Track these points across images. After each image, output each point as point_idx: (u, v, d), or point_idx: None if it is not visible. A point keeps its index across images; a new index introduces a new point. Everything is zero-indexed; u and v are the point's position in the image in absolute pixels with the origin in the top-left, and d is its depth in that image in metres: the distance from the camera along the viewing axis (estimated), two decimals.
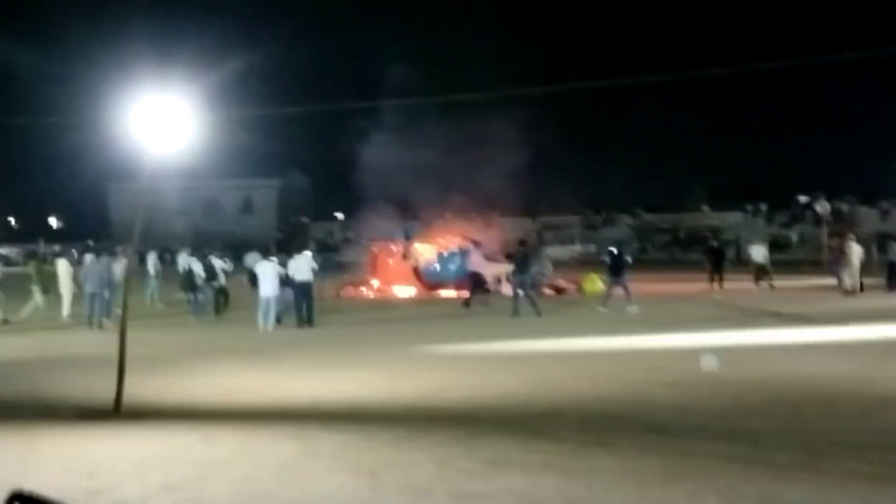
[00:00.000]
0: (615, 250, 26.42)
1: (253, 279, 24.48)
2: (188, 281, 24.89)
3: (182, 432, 10.69)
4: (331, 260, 25.32)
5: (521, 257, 26.15)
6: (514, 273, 26.08)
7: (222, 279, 25.70)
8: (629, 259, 26.12)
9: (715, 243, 37.78)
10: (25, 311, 25.33)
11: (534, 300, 24.87)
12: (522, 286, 25.24)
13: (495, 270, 30.56)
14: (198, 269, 24.96)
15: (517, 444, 9.72)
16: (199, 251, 27.88)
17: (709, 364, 14.60)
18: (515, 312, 24.19)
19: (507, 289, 29.70)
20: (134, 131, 12.49)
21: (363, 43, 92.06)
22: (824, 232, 55.06)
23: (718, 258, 34.47)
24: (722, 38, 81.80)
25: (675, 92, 64.44)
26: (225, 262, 26.59)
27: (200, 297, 24.73)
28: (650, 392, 12.80)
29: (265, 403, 12.57)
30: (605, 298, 25.51)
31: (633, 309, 24.34)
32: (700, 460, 8.95)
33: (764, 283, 32.07)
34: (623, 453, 9.29)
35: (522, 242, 27.90)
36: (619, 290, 25.24)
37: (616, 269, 25.59)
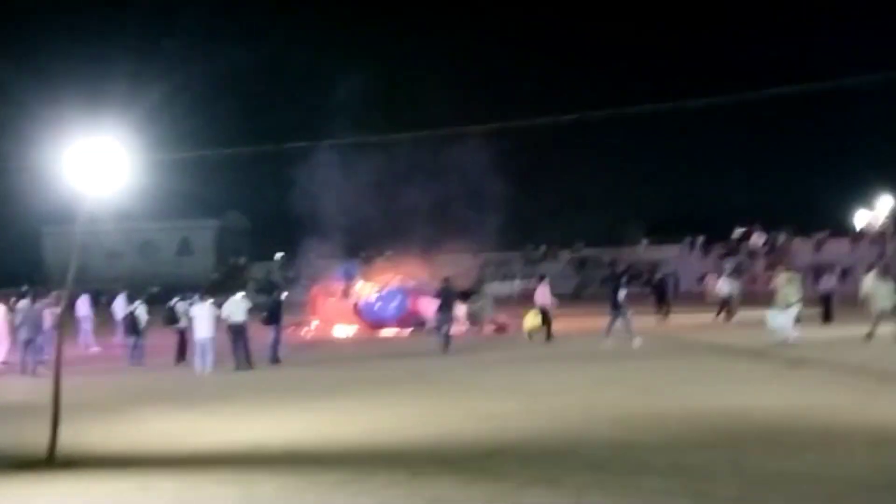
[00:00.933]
0: (615, 282, 26.84)
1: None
2: (131, 325, 24.44)
3: (118, 480, 10.48)
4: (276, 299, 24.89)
5: (444, 294, 26.66)
6: (437, 310, 26.64)
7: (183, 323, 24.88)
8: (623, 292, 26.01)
9: (659, 276, 38.29)
10: None
11: (447, 338, 25.26)
12: (444, 323, 25.81)
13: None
14: (141, 313, 24.49)
15: (460, 484, 9.67)
16: (146, 294, 27.25)
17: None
18: (446, 349, 24.74)
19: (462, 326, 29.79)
20: (68, 174, 12.34)
21: (303, 81, 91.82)
22: (759, 264, 55.85)
23: (662, 291, 34.96)
24: (656, 70, 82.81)
25: (612, 126, 64.89)
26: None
27: (141, 342, 24.24)
28: (592, 428, 12.83)
29: (205, 448, 12.38)
30: (608, 329, 25.07)
31: (637, 342, 24.27)
32: (644, 497, 8.96)
33: (724, 317, 31.97)
34: (566, 490, 9.29)
35: (445, 280, 27.99)
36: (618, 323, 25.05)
37: (615, 303, 25.28)
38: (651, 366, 20.20)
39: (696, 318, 33.01)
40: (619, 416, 13.67)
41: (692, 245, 75.12)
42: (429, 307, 30.01)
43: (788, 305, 23.66)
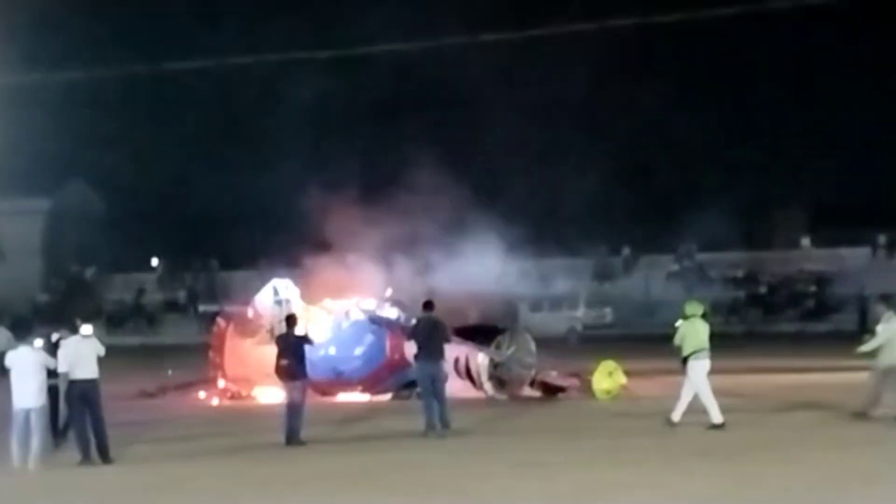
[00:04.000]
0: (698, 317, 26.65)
1: None
2: None
3: None
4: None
5: (425, 331, 26.52)
6: (416, 358, 26.52)
7: None
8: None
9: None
10: None
11: (444, 406, 25.45)
12: (430, 381, 25.84)
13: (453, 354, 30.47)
14: None
15: None
16: None
17: None
18: (431, 428, 25.00)
19: (457, 385, 29.81)
20: None
21: None
22: None
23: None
24: None
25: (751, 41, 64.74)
26: None
27: None
28: None
29: None
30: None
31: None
32: None
33: None
34: None
35: (427, 305, 27.63)
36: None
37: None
38: (821, 462, 20.18)
39: None
40: None
41: (891, 246, 74.97)
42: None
43: None
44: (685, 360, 25.10)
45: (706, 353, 25.03)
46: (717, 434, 23.96)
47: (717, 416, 24.58)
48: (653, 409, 27.16)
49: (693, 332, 25.25)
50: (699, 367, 24.93)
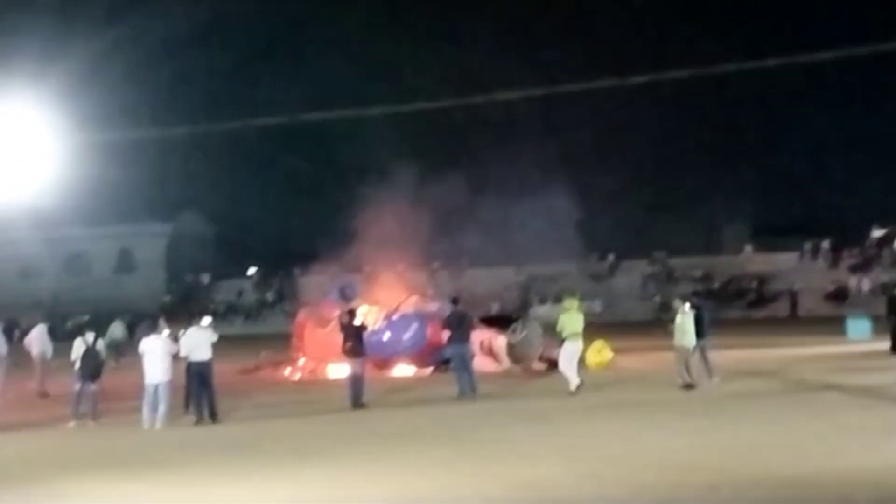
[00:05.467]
0: (692, 305, 26.95)
1: (116, 350, 24.26)
2: (91, 366, 23.89)
3: None
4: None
5: (455, 321, 26.93)
6: (448, 342, 26.95)
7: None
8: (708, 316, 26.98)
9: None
10: None
11: (472, 377, 25.80)
12: (459, 359, 26.28)
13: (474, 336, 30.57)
14: (102, 349, 24.33)
15: None
16: (74, 324, 27.06)
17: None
18: (463, 393, 25.21)
19: (484, 362, 29.90)
20: None
21: (277, 44, 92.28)
22: None
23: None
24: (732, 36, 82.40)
25: (698, 93, 64.64)
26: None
27: (92, 389, 23.84)
28: (678, 498, 12.80)
29: None
30: (683, 370, 25.60)
31: (714, 381, 25.59)
32: None
33: None
34: None
35: (455, 301, 28.25)
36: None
37: (698, 330, 25.96)
38: (760, 413, 20.18)
39: (825, 349, 33.08)
40: (716, 481, 13.62)
41: (814, 252, 74.70)
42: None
43: None
44: (563, 342, 25.78)
45: (578, 337, 25.71)
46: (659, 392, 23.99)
47: (573, 384, 25.11)
48: (632, 376, 27.20)
49: (570, 320, 25.81)
50: (572, 347, 25.65)
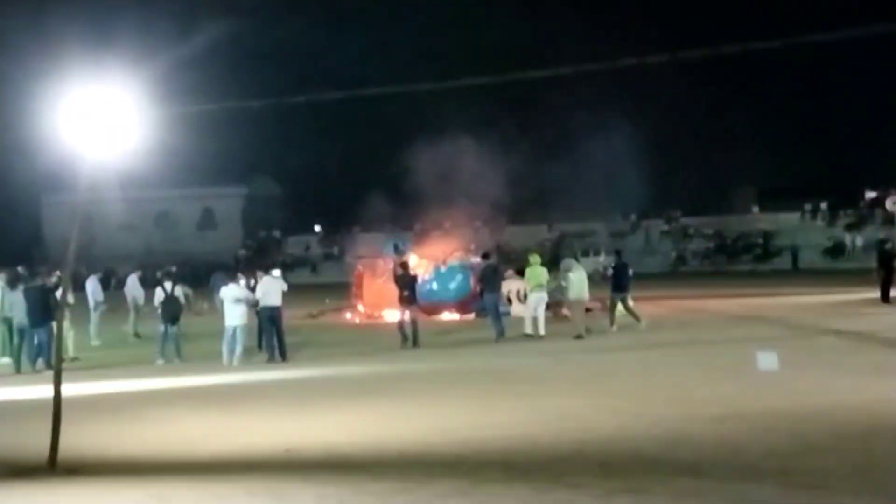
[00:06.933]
0: (618, 261, 28.46)
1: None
2: (171, 310, 23.97)
3: (128, 490, 10.65)
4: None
5: (488, 273, 27.48)
6: (482, 292, 27.52)
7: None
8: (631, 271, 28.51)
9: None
10: None
11: (500, 322, 25.93)
12: (492, 306, 26.55)
13: (504, 287, 30.61)
14: (181, 295, 24.40)
15: (532, 494, 9.70)
16: (166, 273, 26.92)
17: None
18: (500, 335, 25.39)
19: (518, 308, 29.88)
20: (67, 132, 12.35)
21: (342, 23, 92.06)
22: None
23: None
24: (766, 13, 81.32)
25: (709, 69, 64.07)
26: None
27: (174, 330, 23.92)
28: (689, 428, 12.77)
29: (229, 453, 12.52)
30: (613, 316, 27.05)
31: (642, 325, 26.49)
32: None
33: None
34: (658, 500, 9.27)
35: (486, 256, 28.96)
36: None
37: (622, 283, 27.36)
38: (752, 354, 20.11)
39: (823, 298, 32.91)
40: (722, 413, 13.59)
41: (814, 212, 74.30)
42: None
43: None
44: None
45: (543, 289, 26.15)
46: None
47: (528, 329, 25.70)
48: (649, 322, 27.15)
49: (534, 274, 26.34)
50: (536, 297, 26.02)
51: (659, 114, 70.63)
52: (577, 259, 29.02)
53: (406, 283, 25.80)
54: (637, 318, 26.82)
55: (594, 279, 30.58)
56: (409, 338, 24.79)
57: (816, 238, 69.55)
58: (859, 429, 12.25)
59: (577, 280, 26.01)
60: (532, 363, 20.68)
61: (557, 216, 74.34)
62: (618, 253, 30.58)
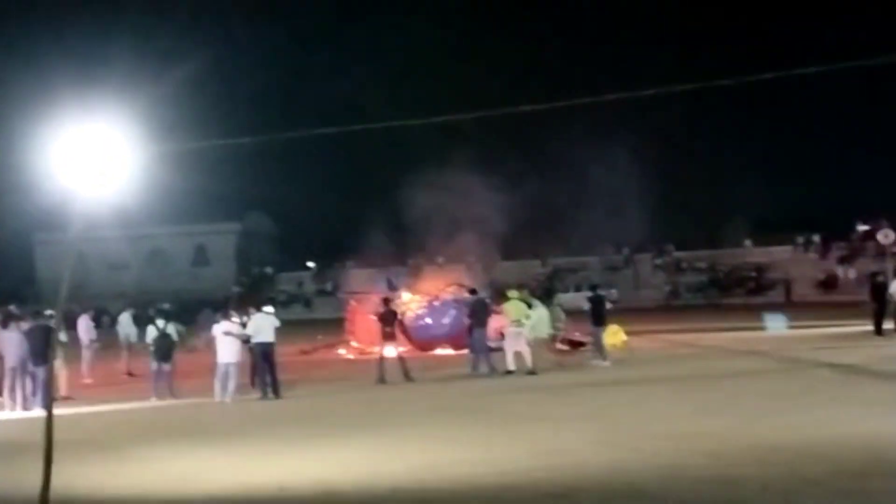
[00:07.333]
0: (595, 293, 28.32)
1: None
2: (164, 348, 23.91)
3: None
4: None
5: (477, 308, 27.27)
6: (470, 328, 27.16)
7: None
8: (609, 304, 28.85)
9: None
10: None
11: (487, 358, 25.90)
12: (478, 342, 26.49)
13: (496, 324, 30.53)
14: (173, 332, 24.39)
15: None
16: (157, 311, 27.01)
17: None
18: (475, 370, 25.60)
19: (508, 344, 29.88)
20: (59, 170, 12.34)
21: (334, 62, 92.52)
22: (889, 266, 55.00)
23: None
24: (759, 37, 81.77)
25: (703, 103, 64.35)
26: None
27: (167, 368, 23.89)
28: (685, 463, 12.73)
29: (223, 490, 12.48)
30: (601, 350, 27.01)
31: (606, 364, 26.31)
32: None
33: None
34: None
35: (473, 291, 29.07)
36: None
37: (600, 317, 27.45)
38: (758, 388, 20.05)
39: (816, 331, 32.88)
40: (719, 449, 13.56)
41: (806, 245, 74.51)
42: (491, 323, 30.06)
43: None
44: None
45: (520, 324, 25.98)
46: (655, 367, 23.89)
47: (510, 365, 25.37)
48: (643, 356, 27.13)
49: (514, 309, 26.33)
50: (514, 332, 25.91)
51: (652, 148, 70.80)
52: (550, 296, 29.33)
53: (388, 318, 25.88)
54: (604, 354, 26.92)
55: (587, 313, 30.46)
56: (384, 377, 24.69)
57: (809, 271, 69.72)
58: (856, 464, 12.20)
59: (537, 318, 26.56)
60: (526, 398, 20.60)
61: (551, 251, 74.39)
62: (593, 287, 30.53)
